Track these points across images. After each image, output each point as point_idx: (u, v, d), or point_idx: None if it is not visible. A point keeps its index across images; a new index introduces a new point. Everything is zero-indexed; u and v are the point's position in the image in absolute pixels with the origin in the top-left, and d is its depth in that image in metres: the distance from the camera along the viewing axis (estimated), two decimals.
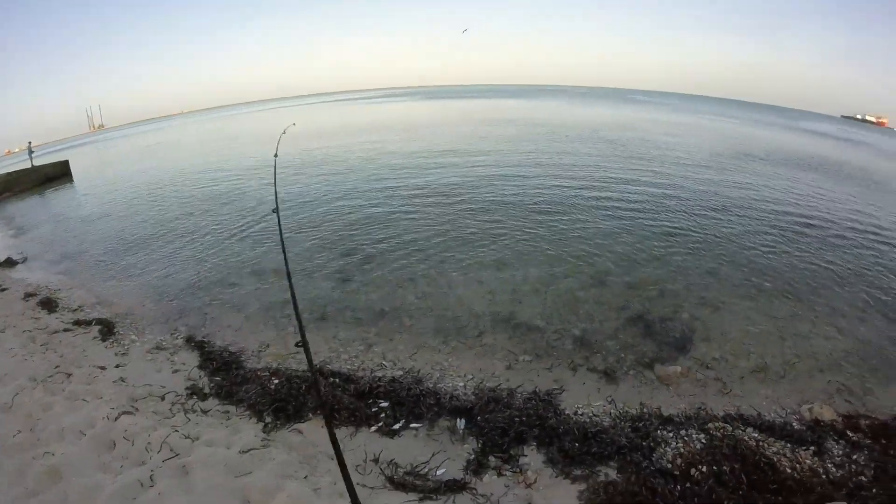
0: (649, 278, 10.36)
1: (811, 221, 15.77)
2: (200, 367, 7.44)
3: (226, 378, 6.99)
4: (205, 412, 6.16)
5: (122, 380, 6.89)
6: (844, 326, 9.08)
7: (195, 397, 6.54)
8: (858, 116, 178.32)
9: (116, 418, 5.58)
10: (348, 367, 7.35)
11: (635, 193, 17.48)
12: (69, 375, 6.94)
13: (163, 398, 6.46)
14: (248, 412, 6.17)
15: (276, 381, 6.68)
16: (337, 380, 6.74)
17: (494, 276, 10.35)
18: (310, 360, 3.07)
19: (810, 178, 24.02)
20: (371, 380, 6.76)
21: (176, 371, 7.32)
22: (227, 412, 6.21)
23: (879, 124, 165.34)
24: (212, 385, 6.88)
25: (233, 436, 5.48)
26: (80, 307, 9.82)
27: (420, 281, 10.18)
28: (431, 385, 6.70)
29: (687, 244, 12.52)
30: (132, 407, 6.03)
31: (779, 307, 9.59)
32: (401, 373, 7.07)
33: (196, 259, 12.06)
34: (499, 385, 6.73)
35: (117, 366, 7.40)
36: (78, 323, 9.00)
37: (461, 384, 6.81)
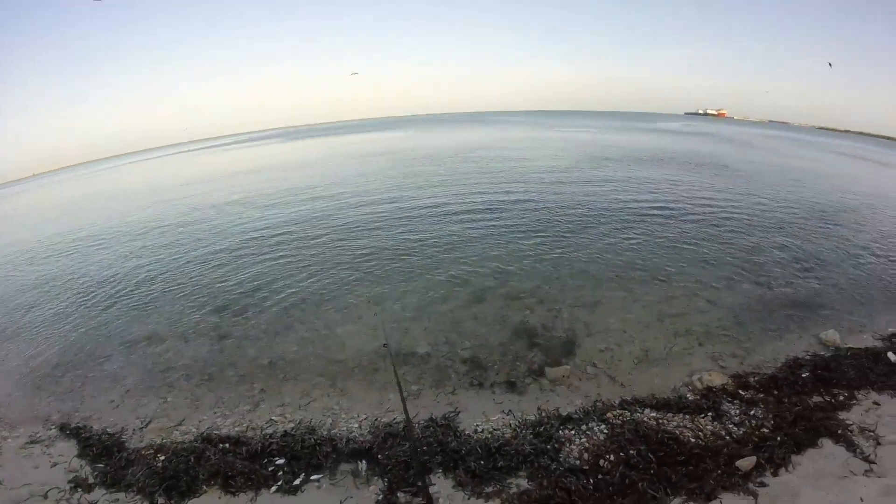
0: (525, 287, 10.61)
1: (668, 210, 17.82)
2: (80, 455, 6.66)
3: (109, 464, 6.26)
4: None
5: (0, 483, 6.25)
6: (714, 298, 10.01)
7: (80, 490, 5.84)
8: (700, 111, 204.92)
9: None
10: (237, 429, 6.81)
11: (499, 207, 18.08)
12: None
13: (45, 496, 5.74)
14: (138, 496, 5.59)
15: (163, 458, 6.13)
16: (227, 445, 6.26)
17: (372, 309, 10.08)
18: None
19: (663, 171, 27.29)
20: (262, 438, 6.23)
21: (55, 464, 6.54)
22: (117, 501, 5.63)
23: (720, 115, 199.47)
24: (95, 474, 6.16)
25: None
26: None
27: (298, 327, 9.71)
28: (326, 432, 6.26)
29: (556, 249, 13.08)
30: None
31: (652, 292, 10.31)
32: (292, 425, 6.53)
33: (59, 337, 10.73)
34: (394, 419, 6.44)
35: None
36: None
37: (356, 425, 6.44)
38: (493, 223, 15.87)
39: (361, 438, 6.04)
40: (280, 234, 16.52)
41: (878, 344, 8.52)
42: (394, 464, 5.31)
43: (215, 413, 7.33)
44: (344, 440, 6.00)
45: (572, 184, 23.13)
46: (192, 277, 13.31)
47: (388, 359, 6.88)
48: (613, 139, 53.28)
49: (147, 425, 7.27)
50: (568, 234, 14.40)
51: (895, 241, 15.69)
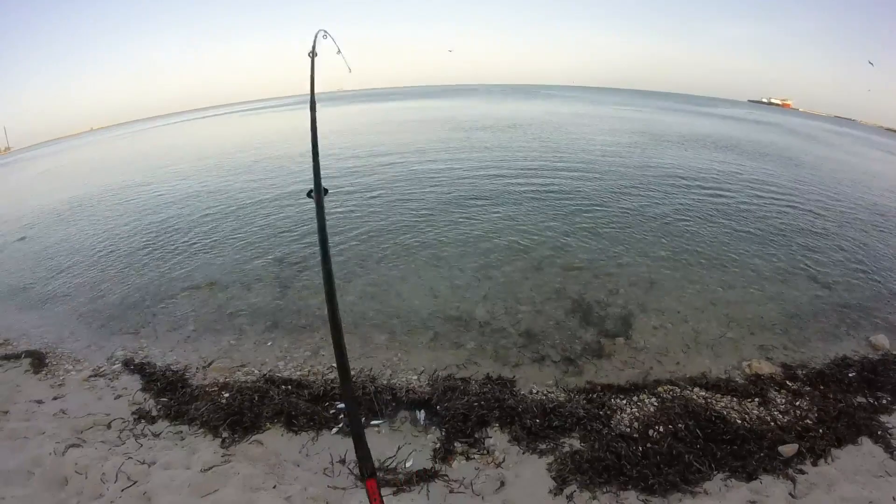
0: (582, 260, 10.75)
1: (730, 197, 17.46)
2: (144, 389, 7.02)
3: (173, 398, 6.58)
4: (156, 435, 5.82)
5: (63, 412, 6.46)
6: (769, 289, 10.00)
7: (143, 421, 6.13)
8: (765, 100, 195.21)
9: (64, 452, 5.25)
10: (299, 373, 7.15)
11: (556, 179, 18.11)
12: (5, 413, 6.49)
13: (109, 426, 6.04)
14: (202, 430, 5.88)
15: (227, 395, 6.45)
16: (289, 387, 6.58)
17: (433, 272, 10.36)
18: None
19: (726, 158, 26.64)
20: (324, 383, 6.59)
21: (118, 397, 6.88)
22: (180, 432, 5.91)
23: (784, 106, 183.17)
24: (159, 407, 6.48)
25: (191, 456, 5.24)
26: (4, 341, 9.23)
27: (358, 281, 9.99)
28: (385, 381, 6.63)
29: (613, 224, 13.14)
30: (78, 439, 5.66)
31: (707, 277, 10.35)
32: (353, 373, 6.92)
33: (122, 278, 11.18)
34: (452, 374, 6.75)
35: (55, 398, 6.91)
36: (6, 358, 8.43)
37: (415, 378, 6.73)
38: (551, 194, 16.09)
39: (420, 390, 6.33)
40: (343, 190, 16.88)
41: None
42: (452, 415, 5.58)
43: (277, 357, 7.66)
44: (403, 390, 6.29)
45: (630, 161, 23.07)
46: (255, 226, 13.87)
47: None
48: (672, 121, 52.39)
49: (210, 364, 7.61)
50: (625, 211, 14.50)
51: None
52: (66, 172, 36.22)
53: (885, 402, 6.91)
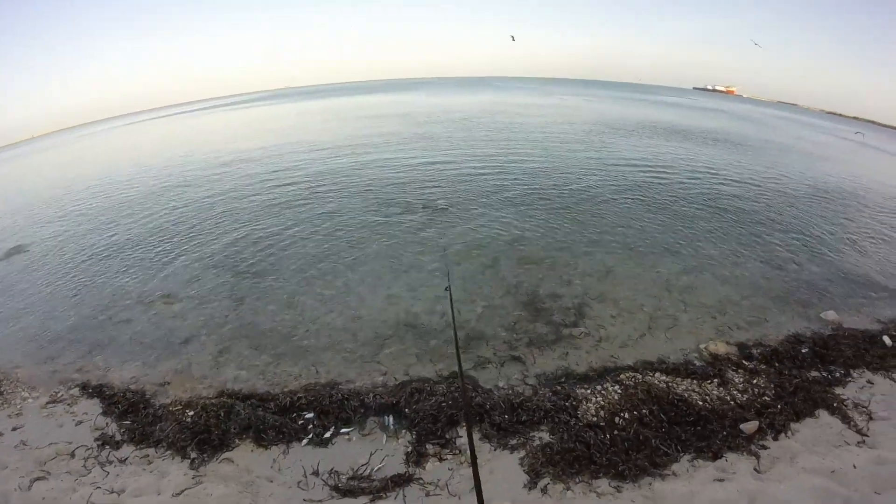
0: (539, 253, 10.88)
1: (680, 183, 18.21)
2: (105, 413, 6.74)
3: (136, 420, 6.33)
4: (122, 461, 5.60)
5: (24, 443, 6.19)
6: (722, 272, 10.44)
7: (108, 447, 5.90)
8: (709, 87, 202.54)
9: (30, 487, 5.10)
10: (264, 386, 6.99)
11: (512, 174, 18.23)
12: None
13: (73, 455, 5.80)
14: (169, 452, 5.70)
15: (192, 413, 6.30)
16: (255, 400, 6.48)
17: (391, 274, 10.27)
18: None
19: (674, 144, 27.71)
20: (289, 394, 6.47)
21: (79, 423, 6.58)
22: (147, 456, 5.73)
23: (729, 93, 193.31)
24: (122, 431, 6.24)
25: (161, 480, 5.10)
26: None
27: (317, 285, 9.88)
28: (353, 388, 6.58)
29: (568, 216, 13.40)
30: (43, 471, 5.48)
31: (662, 264, 10.70)
32: (320, 381, 6.82)
33: (73, 296, 10.66)
34: (418, 376, 6.73)
35: (14, 428, 6.59)
36: None
37: (381, 381, 6.72)
38: (504, 188, 16.20)
39: (387, 394, 6.30)
40: (295, 195, 16.58)
41: (875, 327, 8.93)
42: (421, 417, 5.59)
43: (240, 370, 7.47)
44: (371, 395, 6.25)
45: (581, 151, 23.63)
46: (207, 237, 13.38)
47: (449, 302, 6.87)
48: (619, 110, 53.48)
49: (171, 382, 7.41)
50: (579, 202, 14.80)
51: (879, 219, 16.78)
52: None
53: (838, 374, 7.21)
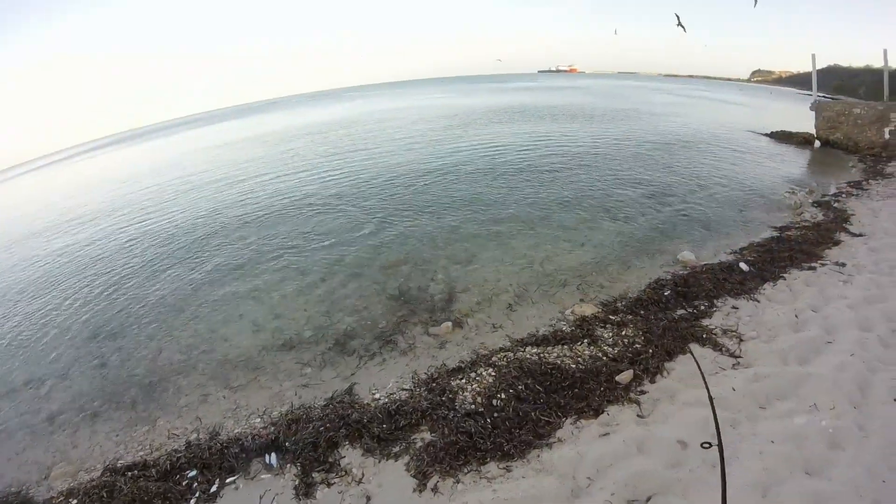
0: (399, 255, 10.90)
1: (528, 161, 19.40)
2: None
3: None
4: None
5: None
6: (578, 238, 11.11)
7: None
8: (553, 68, 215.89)
9: None
10: (141, 453, 6.64)
11: (369, 181, 18.13)
12: None
13: None
14: None
15: (75, 502, 5.99)
16: (135, 471, 6.16)
17: (252, 305, 9.84)
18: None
19: (521, 126, 30.15)
20: (168, 455, 6.19)
21: None
22: None
23: (571, 71, 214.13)
24: None
25: None
26: None
27: (178, 334, 9.19)
28: (230, 434, 6.36)
29: (423, 213, 13.57)
30: None
31: (520, 242, 11.12)
32: (195, 435, 6.50)
33: None
34: (293, 406, 6.54)
35: None
36: None
37: (258, 420, 6.52)
38: (359, 195, 16.16)
39: (266, 431, 6.09)
40: (132, 241, 15.35)
41: (730, 258, 9.62)
42: (302, 447, 5.44)
43: (115, 443, 6.88)
44: (249, 437, 6.01)
45: (431, 147, 24.22)
46: (52, 306, 12.40)
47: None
48: (472, 102, 55.52)
49: (49, 474, 6.93)
50: (432, 196, 15.15)
51: (735, 168, 18.53)
52: None
53: (702, 308, 7.63)
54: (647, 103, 46.69)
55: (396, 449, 5.15)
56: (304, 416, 5.96)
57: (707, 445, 2.85)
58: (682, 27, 28.30)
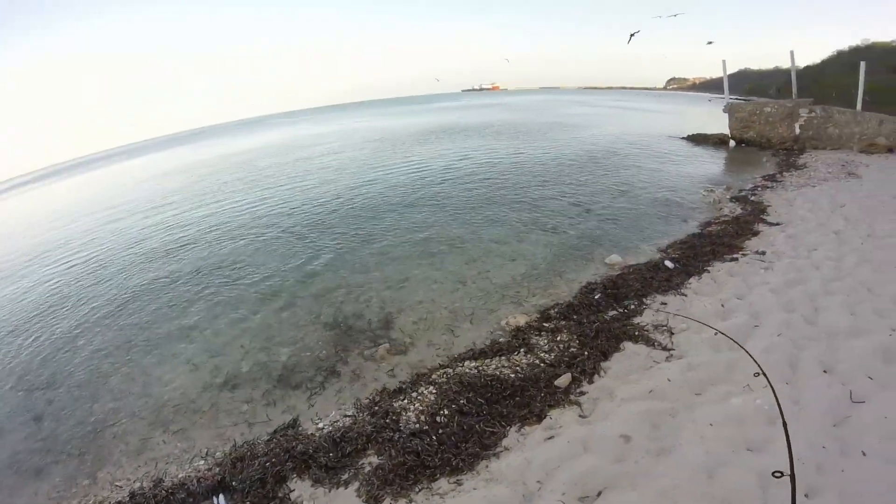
0: (333, 283, 10.82)
1: (456, 179, 20.01)
2: None
3: None
4: None
5: None
6: (508, 251, 11.46)
7: None
8: (476, 87, 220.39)
9: None
10: None
11: (294, 211, 17.93)
12: None
13: None
14: None
15: None
16: None
17: (186, 343, 9.47)
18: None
19: (446, 145, 30.16)
20: None
21: None
22: None
23: (494, 88, 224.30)
24: None
25: None
26: None
27: (112, 380, 8.71)
28: (175, 479, 6.20)
29: (354, 239, 13.56)
30: None
31: (451, 260, 11.38)
32: (139, 484, 6.37)
33: None
34: (237, 444, 6.39)
35: None
36: None
37: (202, 462, 6.35)
38: (287, 225, 15.95)
39: (211, 473, 5.97)
40: (55, 283, 14.41)
41: (656, 256, 10.05)
42: (249, 485, 5.37)
43: (56, 501, 6.73)
44: (195, 480, 5.87)
45: (359, 171, 24.53)
46: None
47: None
48: (394, 124, 56.79)
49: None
50: (363, 220, 15.19)
51: (655, 172, 19.71)
52: None
53: (632, 307, 7.92)
54: (569, 116, 48.69)
55: (345, 476, 5.15)
56: (249, 453, 5.87)
57: (779, 475, 2.79)
58: (632, 36, 30.19)
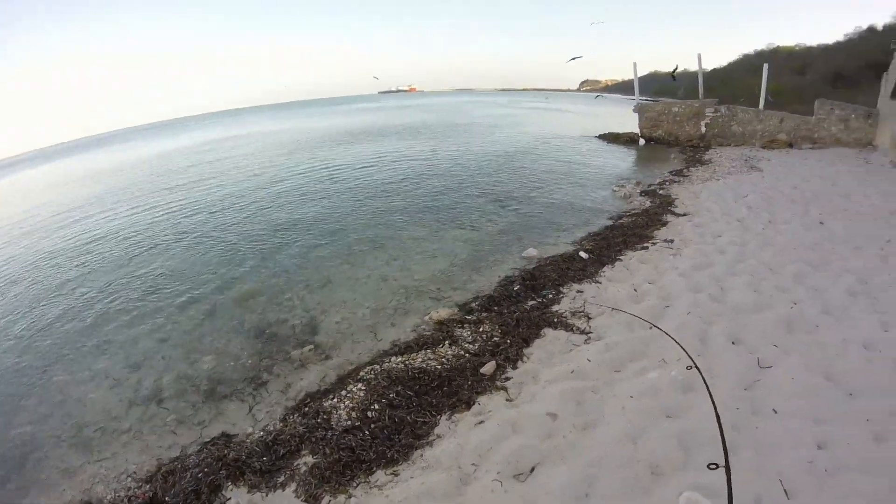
0: (254, 288, 10.66)
1: (373, 180, 20.41)
2: None
3: None
4: None
5: None
6: (428, 249, 11.77)
7: None
8: (393, 89, 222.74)
9: None
10: None
11: (207, 216, 17.46)
12: None
13: None
14: None
15: None
16: None
17: (104, 358, 8.95)
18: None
19: (364, 146, 31.63)
20: None
21: None
22: None
23: (411, 90, 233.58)
24: None
25: None
26: None
27: (27, 403, 8.08)
28: (105, 502, 5.97)
29: (272, 243, 13.39)
30: None
31: (372, 259, 11.54)
32: None
33: None
34: (166, 458, 6.15)
35: None
36: None
37: (130, 481, 6.21)
38: (203, 231, 15.51)
39: (142, 491, 5.83)
40: None
41: (571, 248, 10.62)
42: (183, 498, 5.32)
43: None
44: (125, 501, 5.74)
45: (278, 172, 24.45)
46: None
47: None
48: (313, 126, 56.94)
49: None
50: (282, 223, 15.10)
51: (569, 169, 21.00)
52: None
53: (550, 296, 8.34)
54: (486, 116, 50.06)
55: (282, 478, 5.20)
56: (180, 466, 5.77)
57: (714, 467, 2.75)
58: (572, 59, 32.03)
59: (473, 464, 4.84)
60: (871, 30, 40.52)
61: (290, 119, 79.49)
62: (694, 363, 4.40)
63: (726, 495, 2.46)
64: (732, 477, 2.46)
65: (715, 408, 3.31)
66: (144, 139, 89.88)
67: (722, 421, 4.50)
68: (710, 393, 3.62)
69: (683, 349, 4.80)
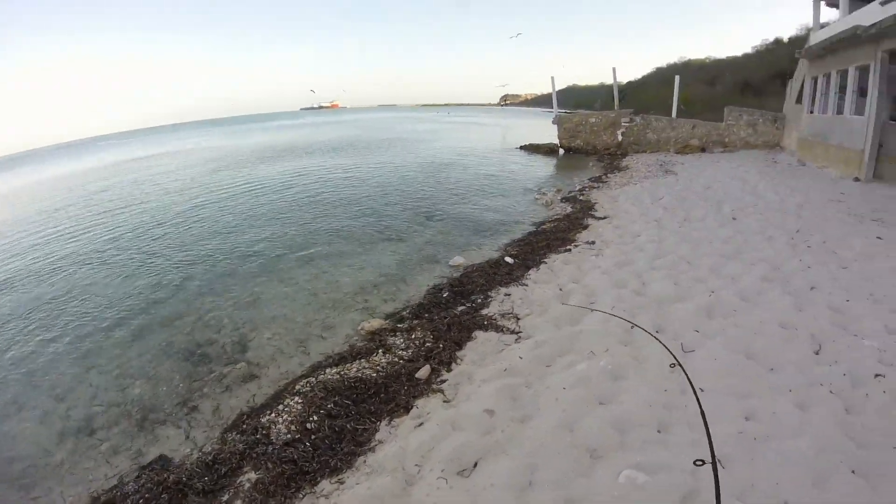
0: (180, 309, 10.45)
1: (296, 197, 20.66)
2: None
3: None
4: None
5: None
6: (356, 262, 12.00)
7: None
8: (315, 105, 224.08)
9: None
10: None
11: (126, 235, 17.08)
12: None
13: None
14: None
15: None
16: None
17: (28, 389, 8.40)
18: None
19: (284, 164, 32.05)
20: None
21: None
22: None
23: (333, 106, 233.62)
24: None
25: None
26: None
27: None
28: None
29: (196, 264, 13.17)
30: None
31: (300, 275, 11.65)
32: None
33: None
34: (103, 488, 5.92)
35: None
36: None
37: None
38: (124, 251, 15.02)
39: None
40: None
41: (496, 254, 11.08)
42: None
43: None
44: None
45: (199, 191, 24.15)
46: None
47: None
48: (235, 143, 56.63)
49: None
50: (207, 243, 14.94)
51: (492, 179, 21.90)
52: None
53: (478, 301, 8.69)
54: (409, 132, 51.09)
55: (226, 497, 5.23)
56: (119, 495, 5.64)
57: (700, 463, 2.74)
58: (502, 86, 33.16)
59: (417, 464, 5.02)
60: (778, 42, 43.05)
61: (211, 136, 77.85)
62: (678, 361, 4.72)
63: (714, 491, 2.48)
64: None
65: (700, 406, 3.38)
66: (54, 160, 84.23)
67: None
68: (695, 392, 3.79)
69: (667, 348, 5.22)
